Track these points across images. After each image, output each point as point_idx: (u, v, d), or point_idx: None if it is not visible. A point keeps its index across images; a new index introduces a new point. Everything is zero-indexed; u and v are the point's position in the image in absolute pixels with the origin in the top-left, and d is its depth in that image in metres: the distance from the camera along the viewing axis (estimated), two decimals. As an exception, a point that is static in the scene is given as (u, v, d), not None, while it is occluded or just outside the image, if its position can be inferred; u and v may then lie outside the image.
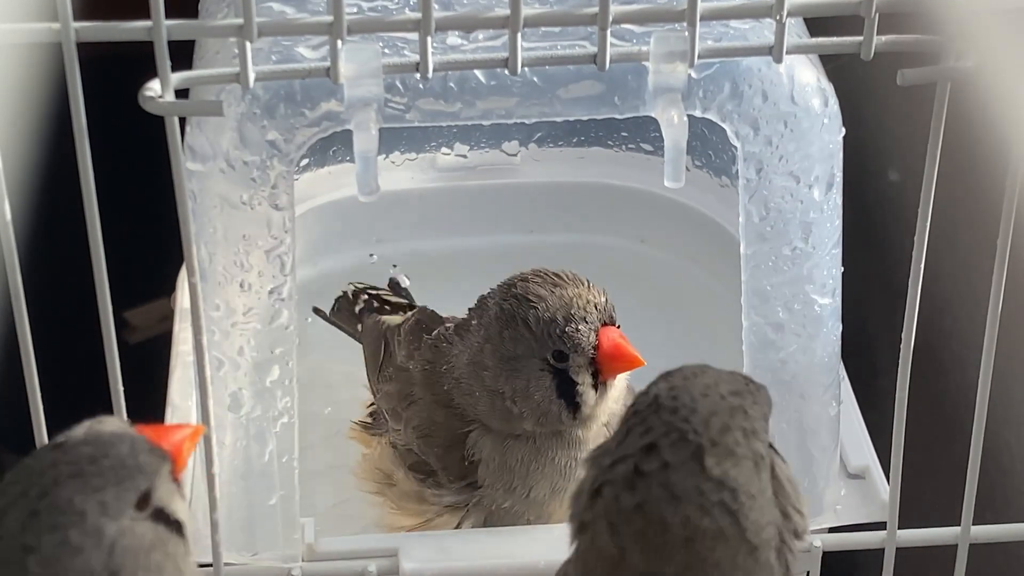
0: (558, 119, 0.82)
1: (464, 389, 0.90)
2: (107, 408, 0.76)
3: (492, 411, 0.89)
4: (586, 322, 0.86)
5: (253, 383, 0.85)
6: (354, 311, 1.05)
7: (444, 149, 1.19)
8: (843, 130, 0.84)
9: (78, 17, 0.68)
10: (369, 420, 0.99)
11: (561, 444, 0.90)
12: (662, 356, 1.14)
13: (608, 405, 0.89)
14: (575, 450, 0.90)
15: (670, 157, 0.79)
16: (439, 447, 0.92)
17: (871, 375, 1.14)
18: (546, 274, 0.88)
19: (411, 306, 1.04)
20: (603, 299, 0.87)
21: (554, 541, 0.89)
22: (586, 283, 0.88)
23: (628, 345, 0.87)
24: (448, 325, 0.94)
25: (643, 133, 1.18)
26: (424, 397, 0.93)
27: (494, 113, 0.81)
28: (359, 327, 1.04)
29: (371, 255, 1.16)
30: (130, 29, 0.68)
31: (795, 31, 0.85)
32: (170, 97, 0.70)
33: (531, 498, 0.90)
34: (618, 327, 0.88)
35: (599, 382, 0.88)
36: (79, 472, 0.60)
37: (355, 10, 0.81)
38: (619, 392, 0.90)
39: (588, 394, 0.87)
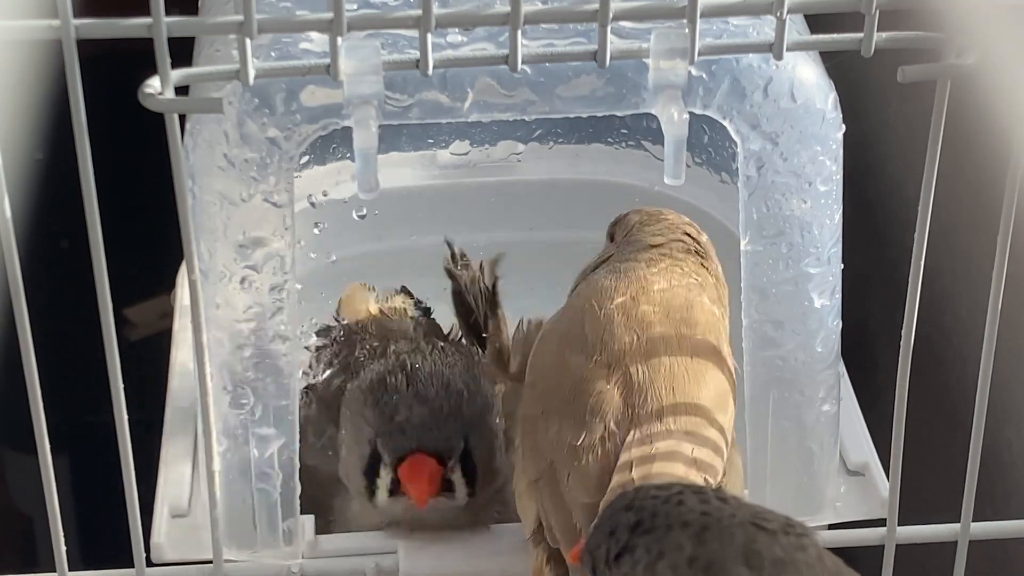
0: (558, 116, 0.82)
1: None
2: (108, 405, 0.76)
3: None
4: (404, 436, 0.87)
5: (253, 380, 0.85)
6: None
7: (444, 146, 1.19)
8: (843, 127, 0.84)
9: (78, 14, 0.68)
10: None
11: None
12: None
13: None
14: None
15: (670, 154, 0.79)
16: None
17: (871, 372, 1.14)
18: (423, 377, 0.89)
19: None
20: (440, 434, 0.86)
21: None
22: (436, 419, 0.87)
23: (422, 482, 0.86)
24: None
25: (643, 130, 1.18)
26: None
27: (494, 110, 0.81)
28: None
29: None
30: (130, 26, 0.68)
31: (795, 28, 0.85)
32: (170, 94, 0.69)
33: None
34: (444, 462, 0.87)
35: (399, 491, 0.88)
36: None
37: (355, 7, 0.81)
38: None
39: (381, 491, 0.88)
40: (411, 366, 0.89)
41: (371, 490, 0.89)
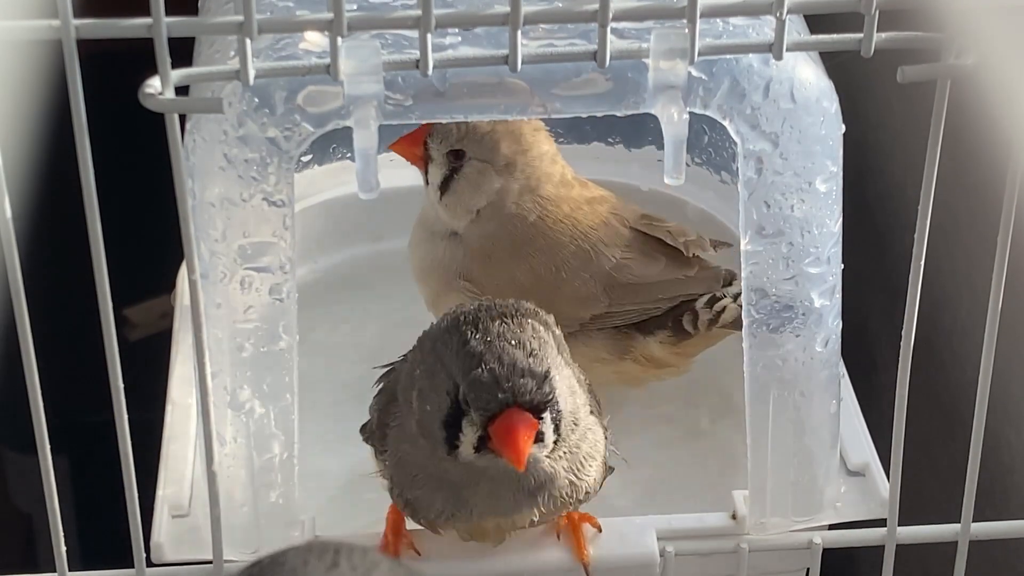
0: (557, 116, 0.82)
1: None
2: (108, 405, 0.76)
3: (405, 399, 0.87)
4: (498, 392, 0.80)
5: (253, 380, 0.85)
6: None
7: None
8: (843, 127, 0.84)
9: (78, 14, 0.68)
10: None
11: (456, 467, 0.84)
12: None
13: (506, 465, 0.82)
14: (473, 479, 0.84)
15: (670, 154, 0.79)
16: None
17: (871, 372, 1.14)
18: (512, 330, 0.82)
19: None
20: (534, 384, 0.80)
21: (558, 542, 0.90)
22: (527, 368, 0.81)
23: (520, 441, 0.80)
24: None
25: (643, 130, 1.18)
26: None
27: (494, 110, 0.81)
28: None
29: None
30: (130, 26, 0.68)
31: (795, 28, 0.85)
32: (170, 94, 0.70)
33: (420, 503, 0.87)
34: (540, 417, 0.81)
35: (486, 446, 0.82)
36: None
37: (355, 7, 0.81)
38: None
39: (466, 447, 0.82)
40: (483, 320, 0.83)
41: (452, 444, 0.83)
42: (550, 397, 0.81)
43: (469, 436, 0.82)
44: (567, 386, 0.83)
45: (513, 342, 0.81)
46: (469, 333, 0.82)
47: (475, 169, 1.00)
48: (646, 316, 1.01)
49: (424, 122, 0.96)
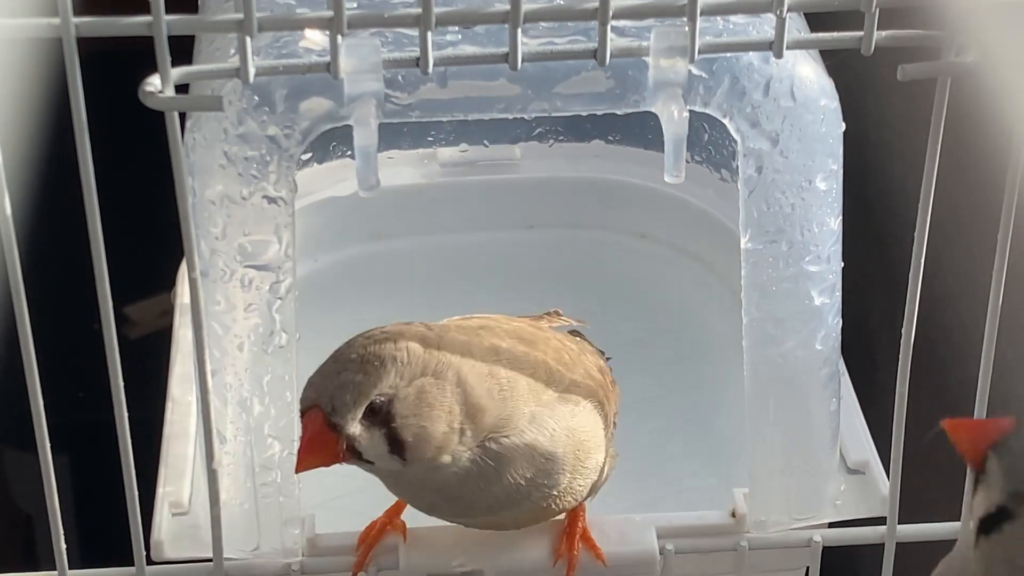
0: (557, 114, 0.82)
1: None
2: (108, 404, 0.76)
3: None
4: (306, 390, 0.79)
5: (254, 378, 0.85)
6: None
7: (444, 144, 1.19)
8: (843, 125, 0.84)
9: (78, 12, 0.68)
10: None
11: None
12: (661, 352, 1.15)
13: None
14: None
15: (670, 152, 0.79)
16: None
17: (871, 370, 1.14)
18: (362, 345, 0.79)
19: None
20: (335, 391, 0.78)
21: (557, 542, 0.90)
22: (341, 377, 0.78)
23: (304, 442, 0.78)
24: None
25: (643, 128, 1.18)
26: None
27: (494, 108, 0.81)
28: None
29: None
30: (130, 24, 0.68)
31: (795, 26, 0.85)
32: (170, 92, 0.70)
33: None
34: (334, 423, 0.77)
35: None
36: None
37: (355, 5, 0.81)
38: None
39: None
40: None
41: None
42: (351, 406, 0.77)
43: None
44: (432, 400, 0.78)
45: (354, 356, 0.78)
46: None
47: None
48: None
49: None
